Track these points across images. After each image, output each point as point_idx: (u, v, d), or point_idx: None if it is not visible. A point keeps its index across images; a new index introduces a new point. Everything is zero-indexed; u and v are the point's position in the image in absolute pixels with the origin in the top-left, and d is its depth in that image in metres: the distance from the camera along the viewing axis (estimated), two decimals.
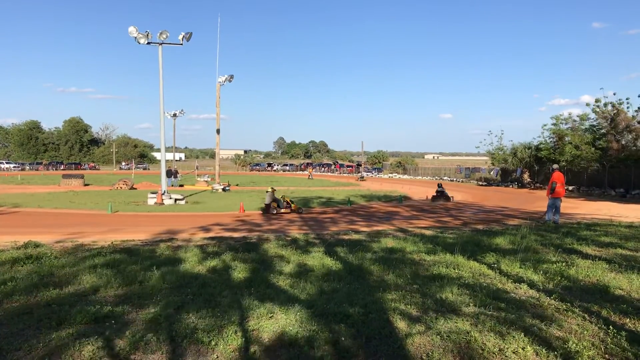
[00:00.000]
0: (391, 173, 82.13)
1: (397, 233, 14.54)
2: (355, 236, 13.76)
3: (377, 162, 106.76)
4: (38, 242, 11.64)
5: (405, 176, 76.36)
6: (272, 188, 22.26)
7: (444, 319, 6.01)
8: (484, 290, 7.43)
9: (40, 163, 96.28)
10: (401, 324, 5.87)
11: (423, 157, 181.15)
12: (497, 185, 52.29)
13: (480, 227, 16.54)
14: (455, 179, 64.57)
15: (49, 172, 78.33)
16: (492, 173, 58.52)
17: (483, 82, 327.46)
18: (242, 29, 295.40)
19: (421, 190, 39.99)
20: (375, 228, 16.06)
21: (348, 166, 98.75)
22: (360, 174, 72.09)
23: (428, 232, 14.62)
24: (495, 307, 6.55)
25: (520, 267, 9.20)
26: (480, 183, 56.46)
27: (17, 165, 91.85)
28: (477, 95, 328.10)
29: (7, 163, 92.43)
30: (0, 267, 8.80)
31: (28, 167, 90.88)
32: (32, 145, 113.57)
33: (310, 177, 67.06)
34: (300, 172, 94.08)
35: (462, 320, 5.97)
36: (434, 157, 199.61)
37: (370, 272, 8.76)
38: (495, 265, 9.41)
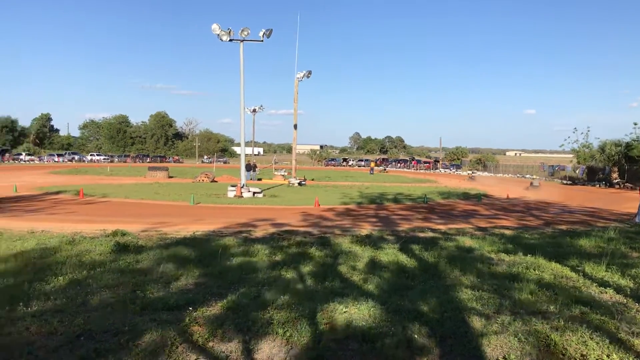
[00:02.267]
0: (470, 170, 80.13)
1: (475, 232, 14.21)
2: (430, 234, 13.57)
3: (455, 158, 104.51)
4: (125, 230, 12.27)
5: (485, 173, 74.22)
6: None
7: (522, 320, 5.83)
8: (566, 293, 7.12)
9: (128, 155, 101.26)
10: (477, 324, 5.74)
11: (504, 154, 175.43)
12: (583, 185, 49.79)
13: (563, 227, 15.87)
14: (538, 177, 62.13)
15: (135, 165, 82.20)
16: (577, 172, 55.83)
17: (570, 78, 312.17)
18: (321, 22, 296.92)
19: (502, 188, 38.77)
20: (452, 226, 15.76)
21: (425, 162, 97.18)
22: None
23: (508, 232, 14.18)
24: (577, 311, 6.27)
25: (606, 271, 8.74)
26: (565, 182, 53.97)
27: (106, 157, 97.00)
28: (563, 90, 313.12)
29: (97, 155, 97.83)
30: (91, 254, 9.36)
31: (116, 159, 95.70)
32: (121, 139, 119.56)
33: (372, 172, 66.73)
34: (376, 167, 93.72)
35: (542, 322, 5.76)
36: (515, 154, 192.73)
37: (445, 271, 8.62)
38: (579, 267, 9.00)
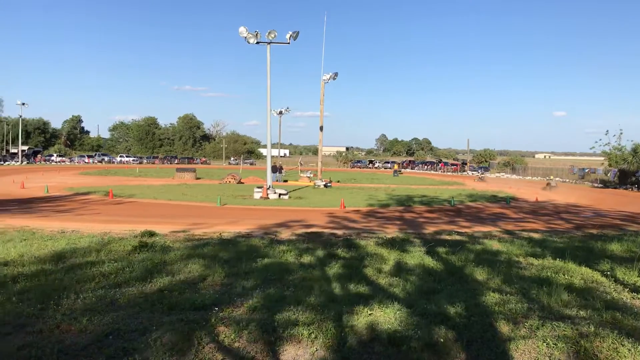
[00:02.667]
0: (498, 172, 79.06)
1: (502, 235, 14.03)
2: (457, 237, 13.44)
3: (483, 160, 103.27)
4: (153, 231, 12.44)
5: (514, 176, 73.12)
6: None
7: (550, 325, 5.73)
8: (596, 299, 6.98)
9: (156, 157, 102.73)
10: (504, 329, 5.67)
11: (533, 157, 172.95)
12: (615, 188, 48.70)
13: (594, 231, 15.56)
14: (567, 180, 61.04)
15: (164, 166, 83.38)
16: (609, 175, 54.62)
17: (602, 79, 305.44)
18: (347, 24, 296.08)
19: (531, 191, 38.22)
20: (479, 229, 15.59)
21: (452, 165, 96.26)
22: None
23: (536, 236, 13.96)
24: (609, 317, 6.14)
25: (639, 276, 8.54)
26: (596, 185, 52.90)
27: (135, 158, 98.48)
28: (595, 92, 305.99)
29: (126, 157, 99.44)
30: (120, 254, 9.51)
31: (145, 161, 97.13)
32: (149, 140, 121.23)
33: (396, 173, 66.38)
34: (403, 169, 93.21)
35: (571, 328, 5.65)
36: (545, 156, 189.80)
37: (472, 274, 8.53)
38: (610, 273, 8.80)
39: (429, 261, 9.52)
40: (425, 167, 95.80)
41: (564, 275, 8.51)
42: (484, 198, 30.39)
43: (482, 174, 68.17)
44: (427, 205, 25.17)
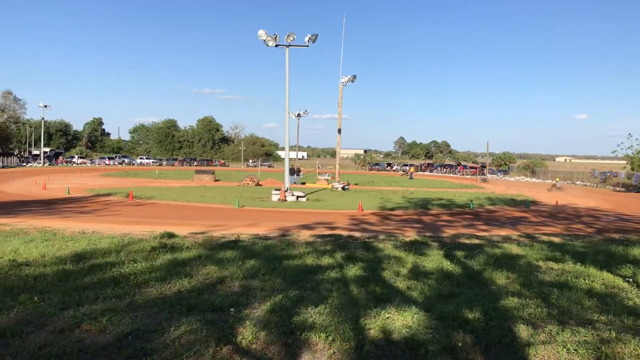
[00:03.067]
0: (518, 176, 78.30)
1: (522, 239, 13.88)
2: (476, 240, 13.34)
3: (502, 164, 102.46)
4: (172, 232, 12.54)
5: (534, 179, 72.35)
6: None
7: (571, 330, 5.66)
8: (618, 304, 6.88)
9: (176, 159, 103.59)
10: (524, 333, 5.61)
11: (554, 160, 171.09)
12: (637, 192, 47.97)
13: (615, 236, 15.33)
14: (588, 184, 60.25)
15: (183, 168, 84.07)
16: (632, 179, 53.77)
17: (624, 82, 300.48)
18: (366, 26, 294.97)
19: (551, 195, 37.80)
20: (498, 233, 15.46)
21: (471, 168, 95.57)
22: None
23: (556, 240, 13.80)
24: (630, 322, 6.04)
25: None
26: (618, 189, 52.12)
27: (155, 160, 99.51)
28: (616, 95, 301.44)
29: (146, 158, 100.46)
30: (139, 255, 9.61)
31: (165, 163, 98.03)
32: (169, 142, 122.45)
33: (411, 177, 66.21)
34: (421, 172, 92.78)
35: (592, 333, 5.58)
36: (565, 159, 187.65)
37: (491, 278, 8.46)
38: (632, 278, 8.66)
39: (447, 264, 9.46)
40: (444, 170, 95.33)
41: (584, 280, 8.40)
42: (502, 201, 30.12)
43: (484, 176, 68.80)
44: (445, 208, 25.02)
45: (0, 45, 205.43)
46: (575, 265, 9.54)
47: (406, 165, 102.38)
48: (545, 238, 14.15)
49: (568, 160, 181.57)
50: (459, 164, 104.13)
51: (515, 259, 10.29)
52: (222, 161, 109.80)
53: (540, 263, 9.97)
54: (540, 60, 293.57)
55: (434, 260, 9.87)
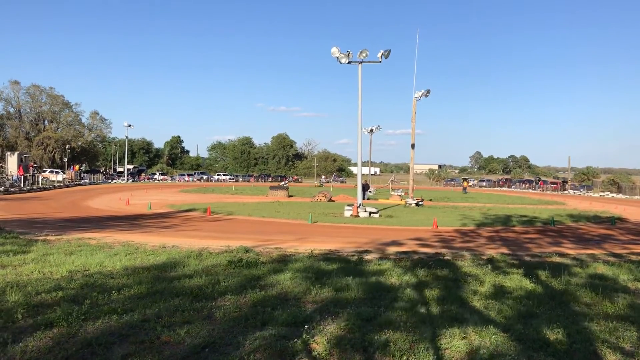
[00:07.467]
0: (602, 191, 74.35)
1: (608, 258, 13.13)
2: (558, 259, 12.74)
3: (585, 179, 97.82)
4: (247, 247, 12.78)
5: (620, 195, 68.49)
6: None
7: None
8: None
9: (251, 175, 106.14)
10: (611, 358, 5.28)
11: None
12: None
13: None
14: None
15: (258, 184, 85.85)
16: None
17: None
18: (439, 38, 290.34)
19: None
20: (582, 251, 14.69)
21: (552, 183, 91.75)
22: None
23: None
24: None
25: None
26: None
27: (231, 177, 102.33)
28: None
29: (223, 175, 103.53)
30: (216, 268, 9.84)
31: (241, 179, 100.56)
32: (245, 159, 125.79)
33: (465, 191, 64.44)
34: (498, 188, 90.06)
35: None
36: None
37: (575, 299, 8.04)
38: None
39: (528, 284, 9.08)
40: (523, 185, 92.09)
41: None
42: (585, 218, 28.65)
43: (466, 187, 70.23)
44: (525, 225, 24.08)
45: (87, 71, 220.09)
46: None
47: (484, 180, 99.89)
48: (634, 258, 13.32)
49: None
50: (539, 179, 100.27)
51: (602, 279, 9.73)
52: (296, 177, 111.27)
53: (630, 284, 9.38)
54: (625, 71, 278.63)
55: (514, 278, 9.50)
